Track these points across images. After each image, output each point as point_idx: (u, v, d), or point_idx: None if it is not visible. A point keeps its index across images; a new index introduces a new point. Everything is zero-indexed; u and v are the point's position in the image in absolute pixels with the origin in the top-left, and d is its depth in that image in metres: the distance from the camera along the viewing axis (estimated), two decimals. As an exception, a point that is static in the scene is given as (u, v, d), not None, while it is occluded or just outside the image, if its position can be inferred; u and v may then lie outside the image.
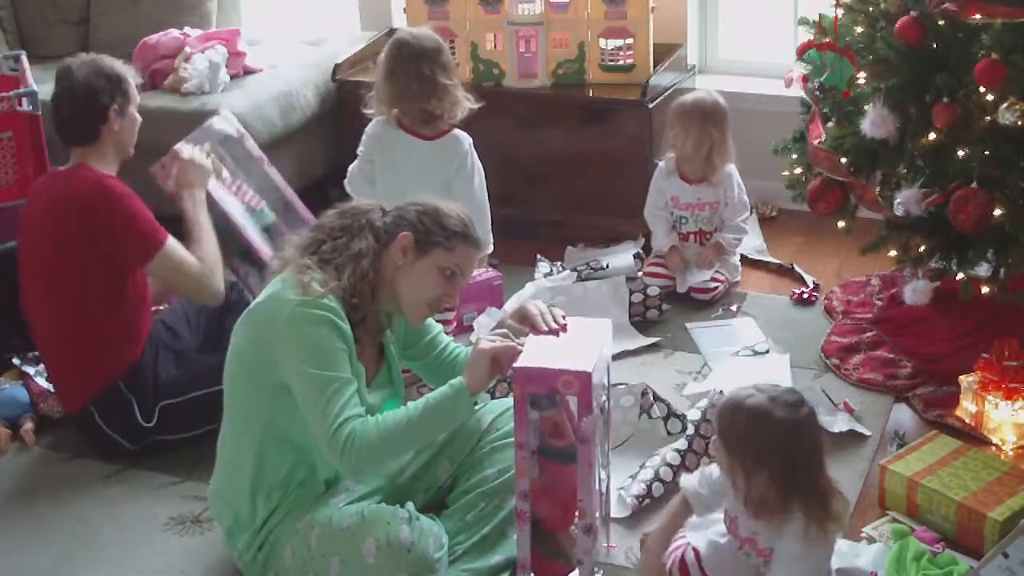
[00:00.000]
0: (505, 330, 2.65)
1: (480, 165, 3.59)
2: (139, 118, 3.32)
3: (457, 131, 3.51)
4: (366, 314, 2.67)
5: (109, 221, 3.14)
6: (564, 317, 2.68)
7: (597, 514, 2.66)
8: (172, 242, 3.21)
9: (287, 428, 2.64)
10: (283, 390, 2.59)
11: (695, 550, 2.61)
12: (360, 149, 3.57)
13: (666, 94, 4.34)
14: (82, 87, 3.19)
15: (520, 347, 2.56)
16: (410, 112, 3.44)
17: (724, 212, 4.04)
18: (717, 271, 4.03)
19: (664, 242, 4.08)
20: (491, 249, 3.66)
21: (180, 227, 3.32)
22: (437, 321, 2.97)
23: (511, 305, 3.74)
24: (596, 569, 2.64)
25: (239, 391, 2.70)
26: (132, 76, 3.34)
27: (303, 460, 2.67)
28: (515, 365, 2.48)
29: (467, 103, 3.50)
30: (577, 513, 2.55)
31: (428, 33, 3.54)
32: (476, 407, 2.90)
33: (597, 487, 2.64)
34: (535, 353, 2.53)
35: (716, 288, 4.00)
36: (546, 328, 2.63)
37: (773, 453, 2.40)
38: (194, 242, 3.28)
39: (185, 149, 3.41)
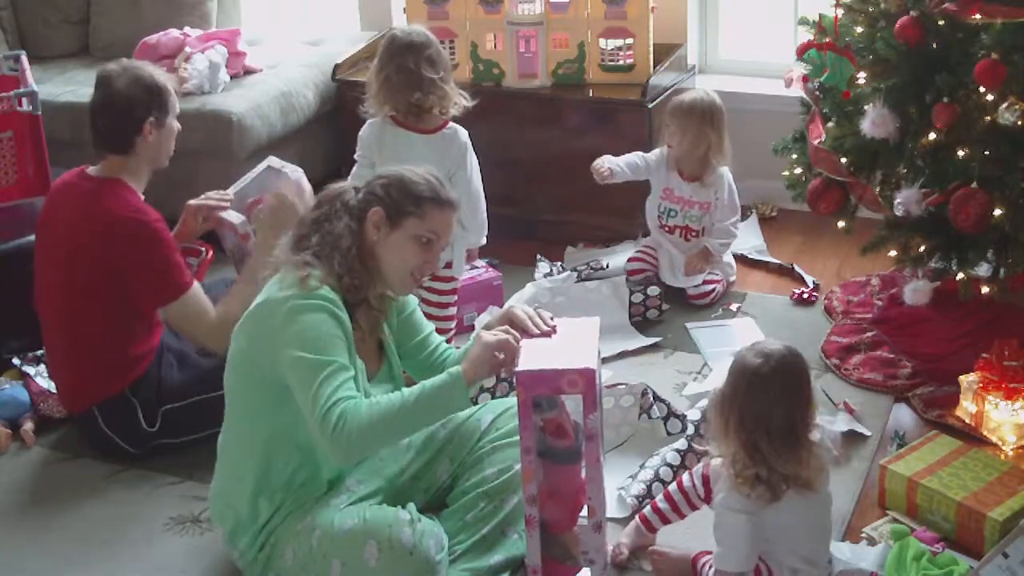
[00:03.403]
0: (506, 326, 2.64)
1: (475, 158, 3.59)
2: (177, 127, 3.27)
3: (454, 124, 3.51)
4: (367, 296, 2.67)
5: (135, 259, 3.11)
6: (552, 318, 2.67)
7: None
8: (192, 292, 3.16)
9: (291, 429, 2.63)
10: (286, 391, 2.58)
11: None
12: (357, 154, 3.56)
13: (666, 94, 4.34)
14: (120, 98, 3.15)
15: (517, 342, 2.56)
16: (400, 106, 3.44)
17: (714, 214, 4.03)
18: (711, 272, 4.02)
19: (627, 159, 4.02)
20: (485, 240, 3.66)
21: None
22: (437, 331, 2.97)
23: (510, 304, 3.75)
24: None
25: (242, 393, 2.70)
26: (172, 83, 3.28)
27: (307, 461, 2.67)
28: (517, 369, 2.47)
29: (461, 100, 3.48)
30: (587, 510, 2.55)
31: (419, 29, 3.53)
32: (476, 406, 2.90)
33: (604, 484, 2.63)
34: (534, 356, 2.52)
35: (713, 290, 3.99)
36: (537, 331, 2.63)
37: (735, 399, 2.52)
38: (232, 293, 3.22)
39: (287, 185, 3.31)
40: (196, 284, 3.20)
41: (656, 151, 4.09)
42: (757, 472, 2.48)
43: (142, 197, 3.21)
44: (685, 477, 2.75)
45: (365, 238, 2.66)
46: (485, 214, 3.60)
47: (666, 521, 2.79)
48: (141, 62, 3.27)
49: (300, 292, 2.56)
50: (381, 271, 2.68)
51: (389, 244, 2.66)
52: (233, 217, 3.34)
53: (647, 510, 2.81)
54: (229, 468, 2.75)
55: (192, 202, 3.37)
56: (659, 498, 2.80)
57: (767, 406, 2.47)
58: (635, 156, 4.06)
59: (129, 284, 3.13)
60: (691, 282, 4.00)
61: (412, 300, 2.89)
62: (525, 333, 2.62)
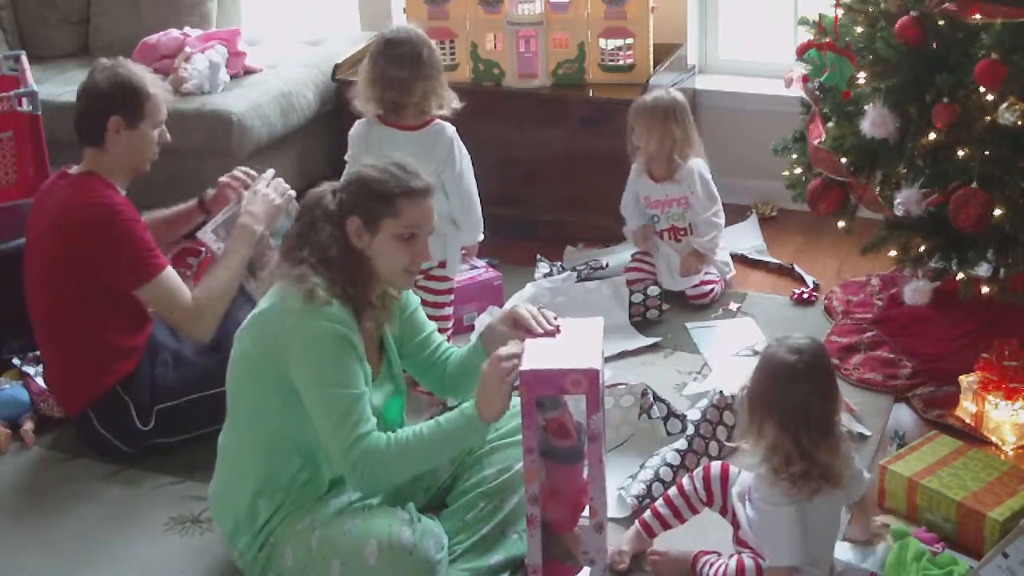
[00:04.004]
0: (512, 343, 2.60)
1: (467, 155, 3.57)
2: (155, 136, 3.22)
3: (441, 121, 3.49)
4: (370, 298, 2.66)
5: (102, 243, 3.11)
6: (556, 318, 2.67)
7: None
8: (166, 274, 3.15)
9: (295, 432, 2.63)
10: (293, 395, 2.59)
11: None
12: (348, 154, 3.57)
13: (666, 94, 4.34)
14: (92, 88, 3.17)
15: (518, 356, 2.54)
16: (381, 104, 3.46)
17: (693, 209, 4.02)
18: (707, 272, 4.02)
19: (634, 222, 4.10)
20: (481, 238, 3.64)
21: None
22: (439, 331, 2.97)
23: (512, 304, 3.74)
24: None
25: (246, 395, 2.69)
26: (164, 91, 3.25)
27: (309, 462, 2.67)
28: (521, 369, 2.47)
29: (445, 99, 3.44)
30: (588, 510, 2.55)
31: (406, 27, 3.51)
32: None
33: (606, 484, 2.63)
34: (538, 356, 2.52)
35: (711, 290, 3.99)
36: (541, 331, 2.63)
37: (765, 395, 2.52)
38: (207, 275, 3.23)
39: (263, 181, 3.34)
40: (170, 268, 3.19)
41: (631, 170, 4.09)
42: (801, 468, 2.48)
43: (122, 193, 3.21)
44: (685, 481, 2.75)
45: (352, 244, 2.63)
46: (479, 212, 3.59)
47: (667, 526, 2.78)
48: (137, 66, 3.25)
49: (310, 307, 2.54)
50: (376, 272, 2.67)
51: (375, 248, 2.63)
52: (209, 239, 3.34)
53: (647, 515, 2.81)
54: (229, 468, 2.75)
55: (223, 178, 3.40)
56: (659, 503, 2.79)
57: (806, 401, 2.49)
58: (624, 207, 4.12)
59: (101, 271, 3.14)
60: (688, 283, 3.99)
61: (414, 299, 2.88)
62: (528, 333, 2.62)
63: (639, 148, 4.01)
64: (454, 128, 3.51)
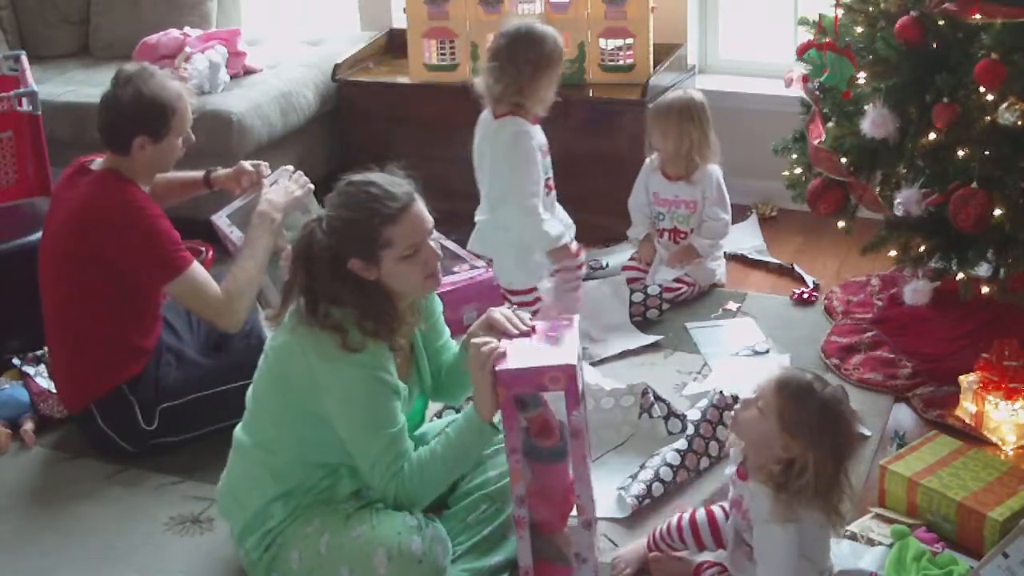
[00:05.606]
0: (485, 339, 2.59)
1: (524, 156, 3.45)
2: (179, 143, 3.21)
3: (512, 117, 3.45)
4: (401, 315, 2.65)
5: (127, 241, 3.10)
6: (531, 318, 2.67)
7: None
8: (194, 268, 3.15)
9: (319, 452, 2.64)
10: (319, 419, 2.59)
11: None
12: None
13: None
14: (117, 106, 3.13)
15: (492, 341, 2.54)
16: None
17: (704, 212, 4.02)
18: (686, 273, 4.02)
19: (640, 230, 4.10)
20: (566, 240, 3.58)
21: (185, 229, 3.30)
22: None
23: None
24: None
25: (272, 408, 2.68)
26: (188, 97, 3.23)
27: (330, 473, 2.68)
28: (497, 368, 2.47)
29: (526, 97, 3.44)
30: (576, 508, 2.55)
31: (521, 22, 3.53)
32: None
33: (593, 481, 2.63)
34: (514, 355, 2.52)
35: (680, 289, 3.98)
36: (516, 332, 2.62)
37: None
38: (233, 266, 3.23)
39: (285, 174, 3.36)
40: (196, 262, 3.19)
41: (647, 160, 4.09)
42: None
43: (145, 189, 3.21)
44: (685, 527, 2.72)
45: (364, 279, 2.59)
46: (529, 205, 3.48)
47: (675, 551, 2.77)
48: (160, 74, 3.21)
49: (344, 355, 2.54)
50: (397, 292, 2.64)
51: (386, 277, 2.59)
52: (223, 224, 3.35)
53: (656, 536, 2.77)
54: (245, 467, 2.73)
55: (245, 164, 3.42)
56: (665, 532, 2.76)
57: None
58: (632, 202, 4.11)
59: (124, 267, 3.13)
60: (666, 275, 4.00)
61: (438, 306, 2.87)
62: (505, 335, 2.61)
63: (659, 150, 4.01)
64: (527, 128, 3.46)
